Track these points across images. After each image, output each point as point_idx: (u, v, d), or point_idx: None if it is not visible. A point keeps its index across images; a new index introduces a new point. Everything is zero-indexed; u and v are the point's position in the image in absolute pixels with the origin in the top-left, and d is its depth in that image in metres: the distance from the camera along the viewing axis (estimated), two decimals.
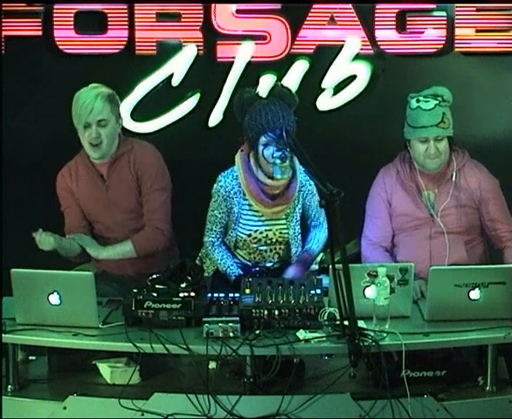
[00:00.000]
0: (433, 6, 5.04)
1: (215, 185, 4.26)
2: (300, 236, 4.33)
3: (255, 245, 4.28)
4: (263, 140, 4.10)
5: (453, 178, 4.21)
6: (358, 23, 5.02)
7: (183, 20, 5.05)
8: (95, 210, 4.36)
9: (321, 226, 4.38)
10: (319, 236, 4.38)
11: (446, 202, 4.20)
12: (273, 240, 4.28)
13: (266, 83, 4.87)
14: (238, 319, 3.57)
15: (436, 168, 4.21)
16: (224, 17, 5.03)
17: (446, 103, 4.20)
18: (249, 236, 4.26)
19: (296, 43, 5.05)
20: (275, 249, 4.31)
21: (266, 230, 4.26)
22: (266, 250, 4.30)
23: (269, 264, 4.32)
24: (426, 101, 4.17)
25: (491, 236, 4.28)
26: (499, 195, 4.28)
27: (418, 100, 4.19)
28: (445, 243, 4.20)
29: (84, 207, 4.37)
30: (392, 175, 4.31)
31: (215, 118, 5.12)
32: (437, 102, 4.17)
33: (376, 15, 5.03)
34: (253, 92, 4.23)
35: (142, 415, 3.57)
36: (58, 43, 5.04)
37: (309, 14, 5.02)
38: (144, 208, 4.33)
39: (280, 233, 4.28)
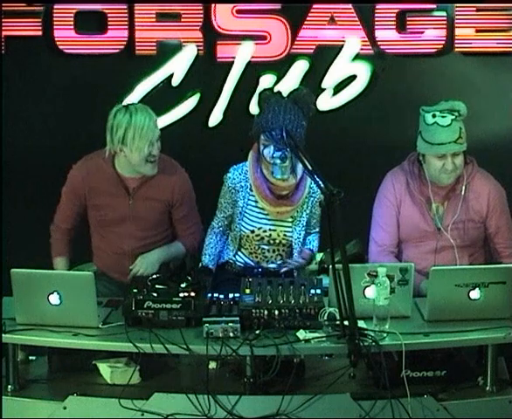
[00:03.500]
0: (433, 6, 5.05)
1: (225, 174, 4.27)
2: (303, 242, 4.32)
3: (257, 243, 4.27)
4: (262, 138, 4.10)
5: (462, 192, 4.16)
6: (358, 23, 5.03)
7: (183, 20, 5.06)
8: (111, 218, 4.29)
9: (317, 235, 4.37)
10: (316, 240, 4.37)
11: (455, 217, 4.16)
12: (277, 241, 4.27)
13: (266, 83, 4.89)
14: (238, 319, 3.57)
15: (451, 182, 4.16)
16: (224, 17, 5.03)
17: (462, 117, 4.12)
18: (252, 232, 4.25)
19: (296, 43, 5.06)
20: (278, 250, 4.30)
21: (270, 230, 4.25)
22: (268, 250, 4.29)
23: (273, 266, 4.31)
24: (443, 117, 4.09)
25: (492, 247, 4.26)
26: (505, 207, 4.24)
27: (434, 115, 4.10)
28: (449, 257, 4.16)
29: (98, 212, 4.30)
30: (402, 183, 4.23)
31: (215, 118, 5.12)
32: (453, 117, 4.09)
33: (376, 15, 5.04)
34: (272, 91, 4.21)
35: (142, 415, 3.57)
36: (58, 43, 5.04)
37: (309, 14, 5.03)
38: (180, 227, 4.35)
39: (285, 235, 4.26)
